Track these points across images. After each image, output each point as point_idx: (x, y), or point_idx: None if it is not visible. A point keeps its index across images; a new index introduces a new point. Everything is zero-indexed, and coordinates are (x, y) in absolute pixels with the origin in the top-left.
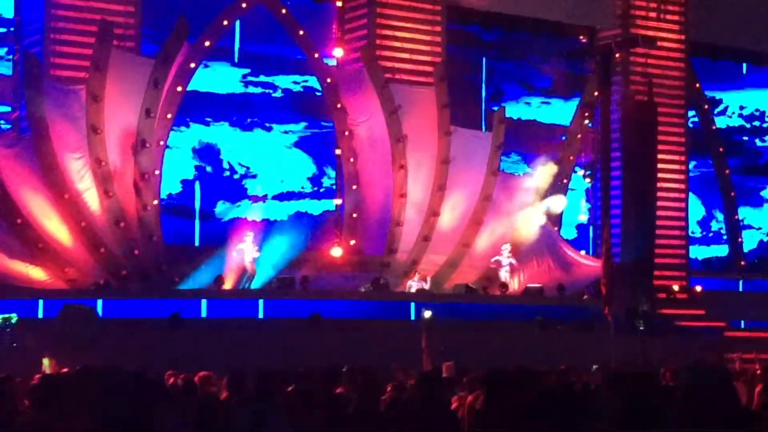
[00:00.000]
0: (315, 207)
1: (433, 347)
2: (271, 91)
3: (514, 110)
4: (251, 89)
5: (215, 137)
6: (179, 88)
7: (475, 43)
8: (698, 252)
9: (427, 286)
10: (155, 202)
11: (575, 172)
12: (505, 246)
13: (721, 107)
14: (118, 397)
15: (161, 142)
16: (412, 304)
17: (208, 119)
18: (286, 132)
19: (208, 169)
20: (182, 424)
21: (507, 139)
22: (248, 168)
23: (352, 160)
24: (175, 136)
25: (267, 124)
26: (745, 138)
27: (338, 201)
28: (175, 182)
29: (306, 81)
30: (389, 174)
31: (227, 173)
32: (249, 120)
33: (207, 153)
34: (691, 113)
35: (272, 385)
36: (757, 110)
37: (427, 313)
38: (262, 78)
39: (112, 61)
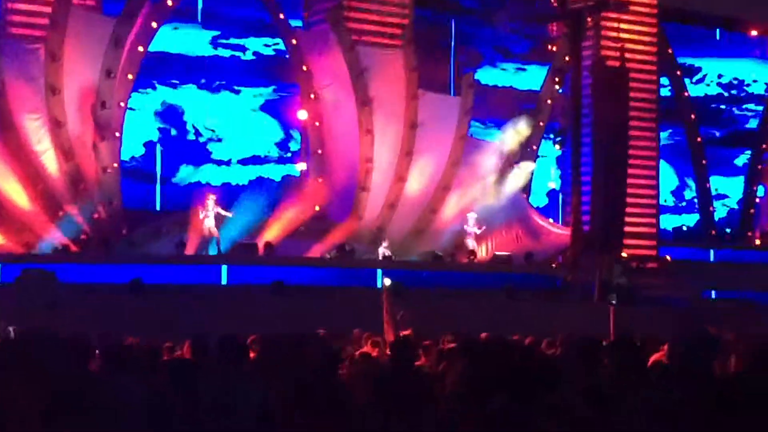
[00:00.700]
0: (280, 172)
1: (393, 316)
2: (241, 54)
3: (490, 76)
4: (221, 51)
5: (181, 100)
6: (141, 48)
7: (449, 6)
8: (671, 221)
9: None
10: (115, 164)
11: (545, 138)
12: (470, 214)
13: (699, 75)
14: (54, 361)
15: (122, 103)
16: (379, 272)
17: (175, 82)
18: (255, 96)
19: (173, 132)
20: (147, 388)
21: (482, 107)
22: (213, 131)
23: (317, 123)
24: (140, 98)
25: (236, 87)
26: (723, 107)
27: (302, 165)
28: (137, 145)
29: (277, 44)
30: (355, 138)
31: (192, 137)
32: (217, 83)
33: (171, 115)
34: (664, 81)
35: (236, 350)
36: (735, 79)
37: (387, 281)
38: (233, 40)
39: (71, 19)
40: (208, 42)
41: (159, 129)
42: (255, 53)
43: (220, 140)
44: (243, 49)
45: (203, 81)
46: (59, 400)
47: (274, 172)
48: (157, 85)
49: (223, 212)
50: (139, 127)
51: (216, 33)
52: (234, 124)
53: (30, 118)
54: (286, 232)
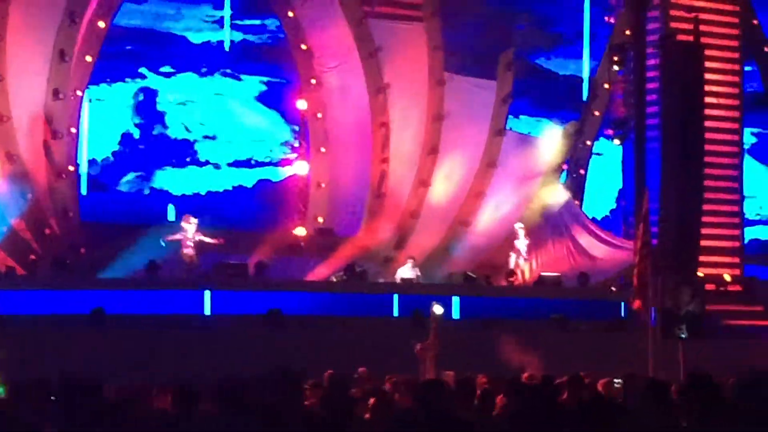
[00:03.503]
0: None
1: (437, 352)
2: (255, 37)
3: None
4: (235, 35)
5: (165, 88)
6: (101, 24)
7: None
8: (759, 233)
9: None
10: (71, 168)
11: (602, 132)
12: (518, 225)
13: None
14: None
15: (78, 92)
16: (396, 297)
17: (171, 70)
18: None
19: (157, 130)
20: None
21: (524, 93)
22: (205, 127)
23: (319, 115)
24: (111, 89)
25: (239, 75)
26: None
27: (302, 167)
28: (104, 145)
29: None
30: (367, 134)
31: (177, 134)
32: (222, 71)
33: (148, 110)
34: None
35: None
36: None
37: (439, 308)
38: (247, 22)
39: None
40: (213, 24)
41: (137, 125)
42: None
43: (213, 138)
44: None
45: (204, 69)
46: None
47: (274, 176)
48: (147, 74)
49: (207, 240)
50: (108, 124)
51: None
52: (229, 120)
53: None
54: (283, 249)
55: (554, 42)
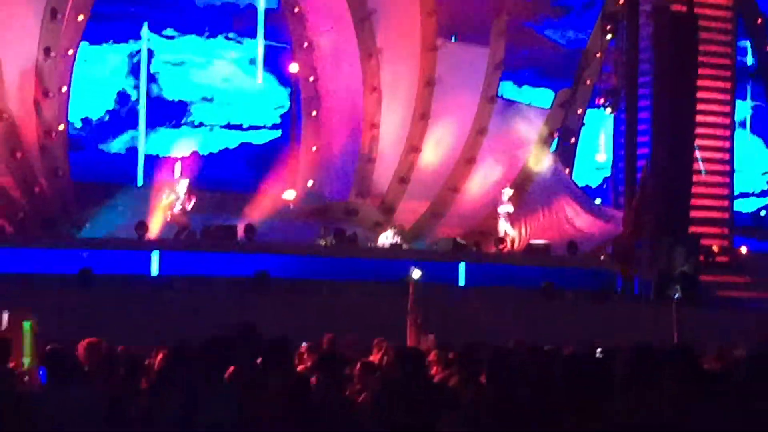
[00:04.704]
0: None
1: (419, 316)
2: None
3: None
4: None
5: (162, 49)
6: None
7: None
8: (749, 205)
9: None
10: (61, 127)
11: (594, 101)
12: (505, 190)
13: None
14: None
15: (70, 51)
16: (385, 262)
17: (174, 33)
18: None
19: (155, 88)
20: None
21: (529, 63)
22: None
23: (311, 79)
24: (106, 49)
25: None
26: None
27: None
28: (96, 104)
29: None
30: (358, 98)
31: (172, 96)
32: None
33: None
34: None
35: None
36: None
37: (417, 273)
38: None
39: None
40: None
41: (133, 87)
42: None
43: (210, 100)
44: None
45: (207, 33)
46: None
47: (260, 139)
48: (150, 35)
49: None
50: (102, 84)
51: None
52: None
53: None
54: (272, 211)
55: (562, 13)
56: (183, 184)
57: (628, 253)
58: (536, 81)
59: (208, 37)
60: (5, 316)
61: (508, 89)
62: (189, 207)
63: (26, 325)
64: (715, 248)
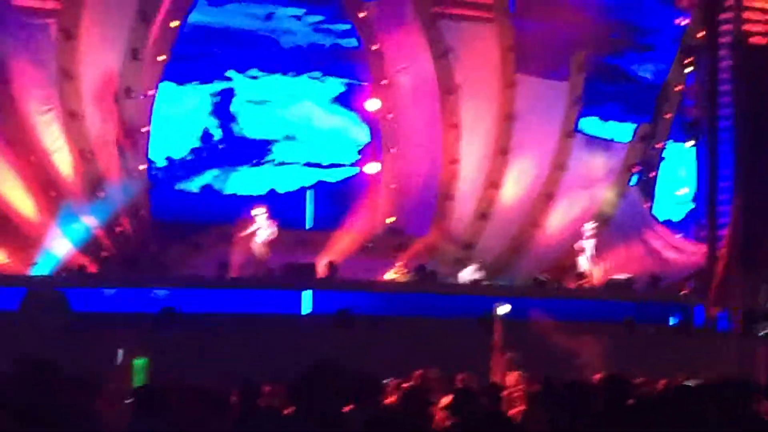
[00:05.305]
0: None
1: (504, 352)
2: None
3: None
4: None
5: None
6: (174, 23)
7: None
8: None
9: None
10: (142, 167)
11: (674, 135)
12: (587, 224)
13: None
14: None
15: (150, 92)
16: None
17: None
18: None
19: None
20: None
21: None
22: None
23: (390, 116)
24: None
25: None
26: None
27: (374, 167)
28: (179, 143)
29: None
30: (438, 134)
31: (251, 135)
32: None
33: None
34: None
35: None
36: None
37: (503, 308)
38: (339, 26)
39: None
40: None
41: (216, 126)
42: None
43: (293, 138)
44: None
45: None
46: None
47: (338, 176)
48: (235, 76)
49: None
50: (185, 124)
51: (319, 18)
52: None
53: (39, 109)
54: (352, 249)
55: (646, 49)
56: (263, 216)
57: (712, 288)
58: (622, 116)
59: (294, 76)
60: (120, 353)
61: (593, 124)
62: (270, 237)
63: (139, 362)
64: None
